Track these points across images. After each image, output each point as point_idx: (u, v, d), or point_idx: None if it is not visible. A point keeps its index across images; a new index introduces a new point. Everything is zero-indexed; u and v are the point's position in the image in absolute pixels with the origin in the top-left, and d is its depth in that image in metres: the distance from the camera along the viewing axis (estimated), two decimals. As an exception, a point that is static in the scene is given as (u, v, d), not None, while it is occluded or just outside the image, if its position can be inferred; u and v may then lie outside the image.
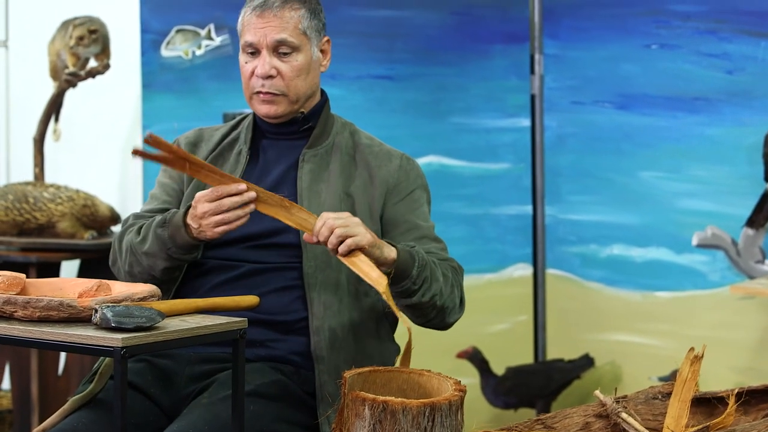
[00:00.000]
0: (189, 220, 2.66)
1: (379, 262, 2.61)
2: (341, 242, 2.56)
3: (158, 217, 2.76)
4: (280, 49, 2.80)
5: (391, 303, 2.56)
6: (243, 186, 2.61)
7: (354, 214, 2.79)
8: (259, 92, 2.83)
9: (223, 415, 2.47)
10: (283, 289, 2.76)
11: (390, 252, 2.63)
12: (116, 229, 4.58)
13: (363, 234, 2.58)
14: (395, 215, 2.86)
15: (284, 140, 2.90)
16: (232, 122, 3.00)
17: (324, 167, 2.86)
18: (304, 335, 2.74)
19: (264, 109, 2.85)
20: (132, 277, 2.80)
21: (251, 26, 2.81)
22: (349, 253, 2.57)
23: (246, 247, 2.78)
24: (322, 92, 2.95)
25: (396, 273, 2.64)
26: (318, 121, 2.90)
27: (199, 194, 2.64)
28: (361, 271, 2.58)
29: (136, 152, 2.57)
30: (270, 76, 2.80)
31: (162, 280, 2.77)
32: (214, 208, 2.61)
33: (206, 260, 2.80)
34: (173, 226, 2.69)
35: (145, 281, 2.75)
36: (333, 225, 2.57)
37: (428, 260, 2.71)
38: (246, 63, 2.83)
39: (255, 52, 2.82)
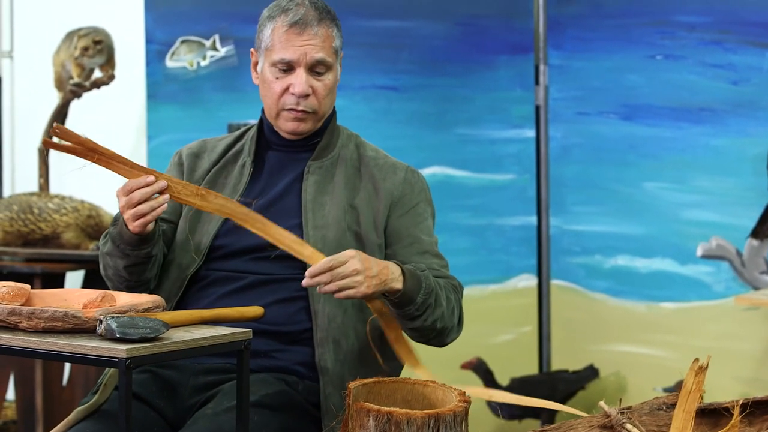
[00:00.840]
0: None
1: (384, 294, 2.65)
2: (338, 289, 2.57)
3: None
4: (316, 68, 2.78)
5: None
6: (151, 177, 2.57)
7: (358, 225, 2.79)
8: (291, 109, 2.81)
9: (227, 425, 2.47)
10: (287, 300, 2.75)
11: (396, 284, 2.63)
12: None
13: (359, 288, 2.57)
14: (399, 228, 2.85)
15: (290, 152, 2.90)
16: (236, 133, 2.99)
17: (329, 179, 2.86)
18: (308, 346, 2.74)
19: (292, 126, 2.84)
20: (109, 281, 2.81)
21: (287, 43, 2.76)
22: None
23: (250, 258, 2.78)
24: None
25: (400, 299, 2.66)
26: (324, 133, 2.90)
27: (118, 189, 2.63)
28: None
29: (45, 143, 2.55)
30: (305, 96, 2.79)
31: (135, 282, 2.76)
32: (127, 202, 2.58)
33: (210, 272, 2.80)
34: (119, 222, 2.67)
35: (121, 283, 2.77)
36: (329, 280, 2.55)
37: (434, 286, 2.71)
38: (277, 79, 2.80)
39: (289, 69, 2.79)
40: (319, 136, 2.89)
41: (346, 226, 2.79)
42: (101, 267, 2.83)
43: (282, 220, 2.75)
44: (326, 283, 2.55)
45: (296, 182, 2.85)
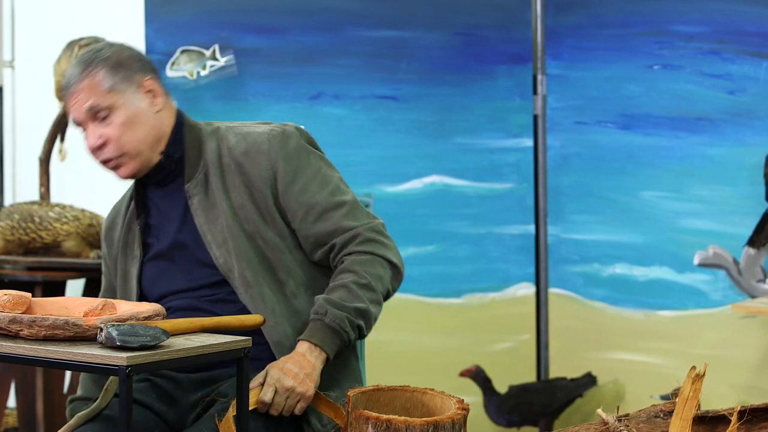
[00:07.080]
0: None
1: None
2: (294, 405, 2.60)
3: None
4: (98, 115, 2.72)
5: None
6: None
7: (248, 223, 2.73)
8: (105, 162, 2.76)
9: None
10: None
11: (320, 358, 2.63)
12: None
13: (303, 397, 2.59)
14: (288, 205, 2.76)
15: (164, 183, 2.82)
16: (132, 185, 2.91)
17: (209, 192, 2.77)
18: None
19: (120, 174, 2.78)
20: None
21: (69, 108, 2.77)
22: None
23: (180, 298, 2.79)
24: (176, 113, 2.84)
25: (335, 355, 2.66)
26: (183, 147, 2.80)
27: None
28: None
29: None
30: (101, 146, 2.73)
31: None
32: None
33: None
34: None
35: None
36: (277, 414, 2.58)
37: (344, 317, 2.65)
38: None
39: (84, 128, 2.75)
40: (174, 155, 2.79)
41: (241, 232, 2.73)
42: None
43: (190, 253, 2.75)
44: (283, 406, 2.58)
45: (185, 211, 2.79)
